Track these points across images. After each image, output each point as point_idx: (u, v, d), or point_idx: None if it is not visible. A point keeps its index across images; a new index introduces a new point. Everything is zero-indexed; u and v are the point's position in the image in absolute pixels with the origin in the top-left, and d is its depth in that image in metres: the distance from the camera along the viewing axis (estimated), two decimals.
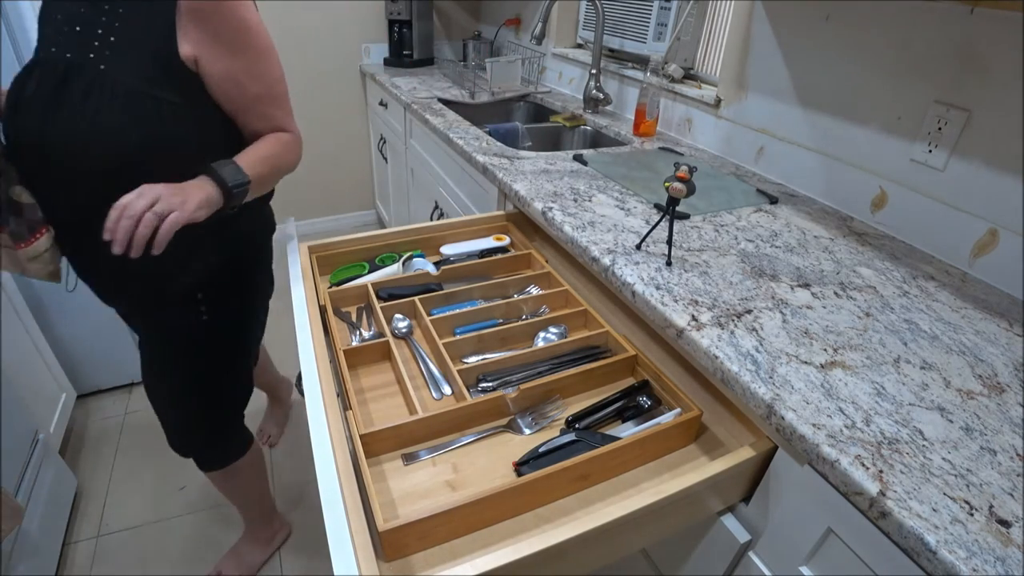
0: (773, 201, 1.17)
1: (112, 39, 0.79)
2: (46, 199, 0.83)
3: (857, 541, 0.57)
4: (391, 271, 1.03)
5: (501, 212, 1.27)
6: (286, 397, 1.82)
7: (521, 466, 0.67)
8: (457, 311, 0.92)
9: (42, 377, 1.58)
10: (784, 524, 0.66)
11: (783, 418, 0.61)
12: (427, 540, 0.59)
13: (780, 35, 1.24)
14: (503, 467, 0.69)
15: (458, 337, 0.86)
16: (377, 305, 0.91)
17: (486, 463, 0.69)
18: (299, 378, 0.71)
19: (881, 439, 0.58)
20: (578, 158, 1.36)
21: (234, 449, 1.20)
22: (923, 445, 0.58)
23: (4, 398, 1.26)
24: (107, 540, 1.45)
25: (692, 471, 0.63)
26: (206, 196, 0.78)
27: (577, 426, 0.74)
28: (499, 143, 1.48)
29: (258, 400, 1.92)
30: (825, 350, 0.71)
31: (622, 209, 1.08)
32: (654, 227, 0.93)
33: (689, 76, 1.63)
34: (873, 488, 0.53)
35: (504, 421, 0.75)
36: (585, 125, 1.80)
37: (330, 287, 0.98)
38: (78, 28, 0.79)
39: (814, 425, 0.59)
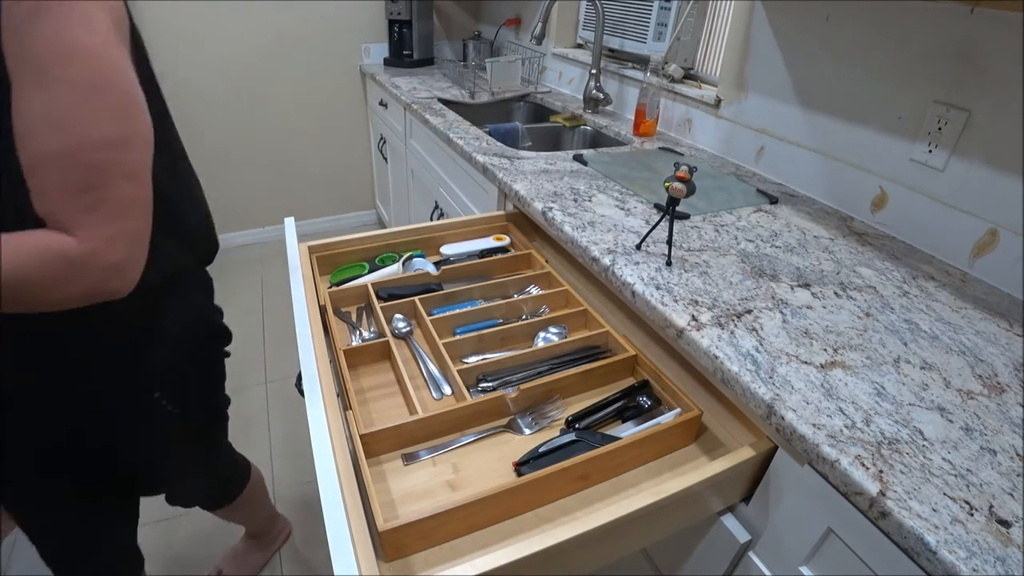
0: (773, 201, 1.17)
1: None
2: None
3: (857, 541, 0.57)
4: (391, 271, 1.03)
5: (501, 212, 1.27)
6: (275, 538, 1.44)
7: (521, 466, 0.67)
8: (457, 311, 0.92)
9: None
10: (784, 524, 0.66)
11: (783, 418, 0.61)
12: (427, 540, 0.59)
13: (780, 35, 1.24)
14: (503, 467, 0.69)
15: (458, 337, 0.86)
16: (377, 305, 0.91)
17: (486, 463, 0.69)
18: (299, 378, 0.71)
19: (881, 439, 0.58)
20: (578, 158, 1.36)
21: (237, 486, 1.19)
22: (923, 445, 0.58)
23: None
24: None
25: (692, 471, 0.63)
26: None
27: (577, 426, 0.74)
28: (499, 143, 1.48)
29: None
30: (825, 350, 0.71)
31: (622, 209, 1.08)
32: (654, 227, 0.93)
33: (689, 76, 1.63)
34: (873, 488, 0.53)
35: (504, 421, 0.75)
36: (585, 125, 1.80)
37: (330, 287, 0.98)
38: None
39: (814, 425, 0.59)
